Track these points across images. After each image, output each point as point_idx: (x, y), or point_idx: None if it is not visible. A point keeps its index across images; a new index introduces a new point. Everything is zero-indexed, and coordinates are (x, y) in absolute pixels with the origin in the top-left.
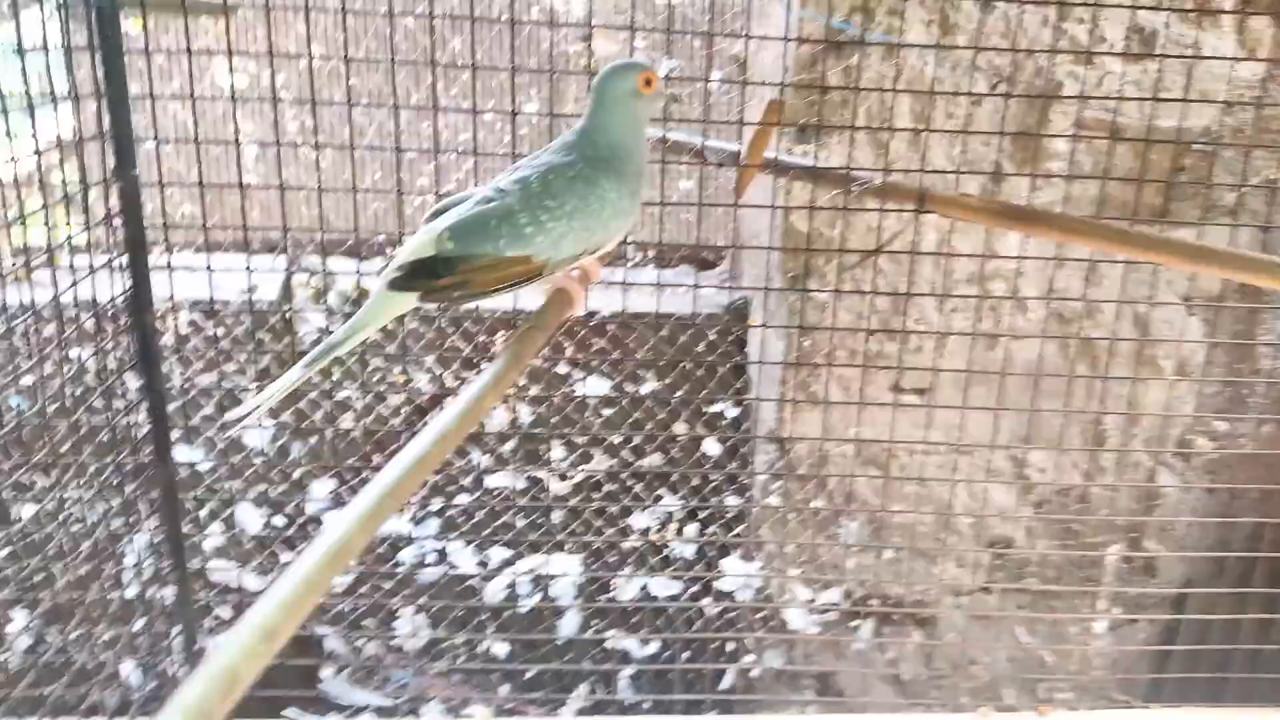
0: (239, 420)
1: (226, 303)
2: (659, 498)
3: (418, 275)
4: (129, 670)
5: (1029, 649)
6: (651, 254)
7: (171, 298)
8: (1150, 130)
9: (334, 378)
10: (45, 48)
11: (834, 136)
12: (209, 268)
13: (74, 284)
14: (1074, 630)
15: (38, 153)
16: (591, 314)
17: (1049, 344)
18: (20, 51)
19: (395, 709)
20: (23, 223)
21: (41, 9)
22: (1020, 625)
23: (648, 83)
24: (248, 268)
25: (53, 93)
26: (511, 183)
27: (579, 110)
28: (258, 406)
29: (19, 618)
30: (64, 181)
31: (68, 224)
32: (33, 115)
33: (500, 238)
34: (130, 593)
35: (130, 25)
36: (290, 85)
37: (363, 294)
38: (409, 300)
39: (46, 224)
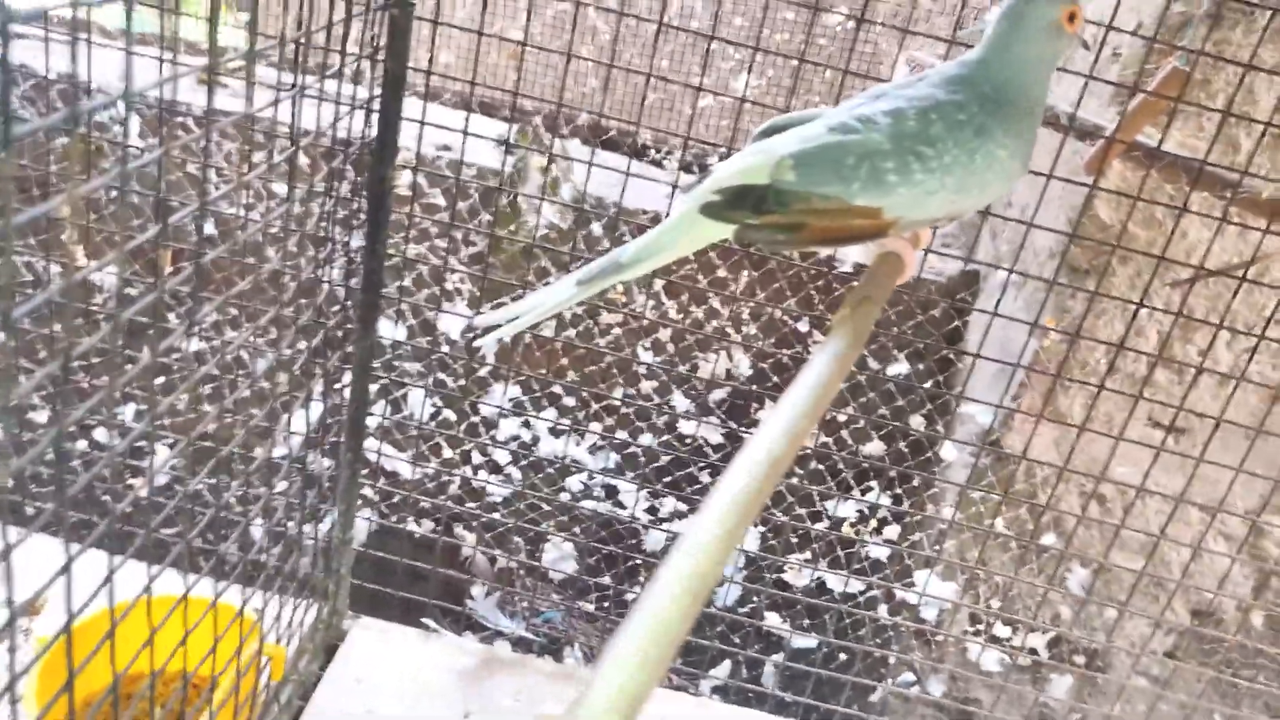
0: (490, 330)
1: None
2: (867, 489)
3: (740, 204)
4: (258, 532)
5: None
6: None
7: (418, 155)
8: None
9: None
10: None
11: (1177, 122)
12: (465, 130)
13: (335, 125)
14: None
15: None
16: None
17: None
18: None
19: (533, 644)
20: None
21: None
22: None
23: (1071, 18)
24: (507, 143)
25: None
26: (882, 113)
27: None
28: (519, 318)
29: (161, 451)
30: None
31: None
32: None
33: (856, 180)
34: (294, 454)
35: None
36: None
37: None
38: (721, 231)
39: (299, 42)
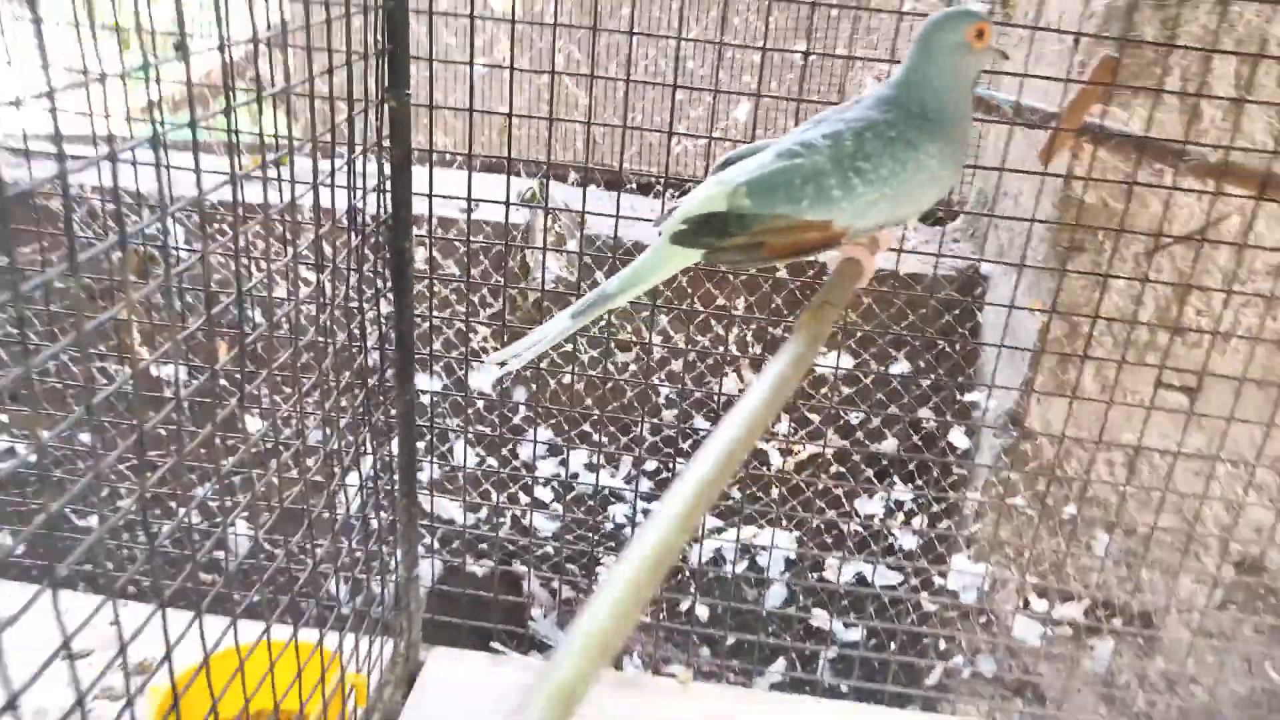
0: (502, 363)
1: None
2: (891, 484)
3: (705, 231)
4: (335, 585)
5: (1258, 681)
6: None
7: (431, 221)
8: None
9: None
10: None
11: (1138, 98)
12: (469, 202)
13: (350, 210)
14: None
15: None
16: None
17: None
18: None
19: None
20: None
21: None
22: (1259, 655)
23: (979, 35)
24: (506, 202)
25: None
26: (821, 137)
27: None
28: (524, 350)
29: (241, 526)
30: (329, 94)
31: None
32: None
33: (804, 199)
34: (353, 509)
35: None
36: (563, 13)
37: (581, 225)
38: (690, 256)
39: (314, 139)
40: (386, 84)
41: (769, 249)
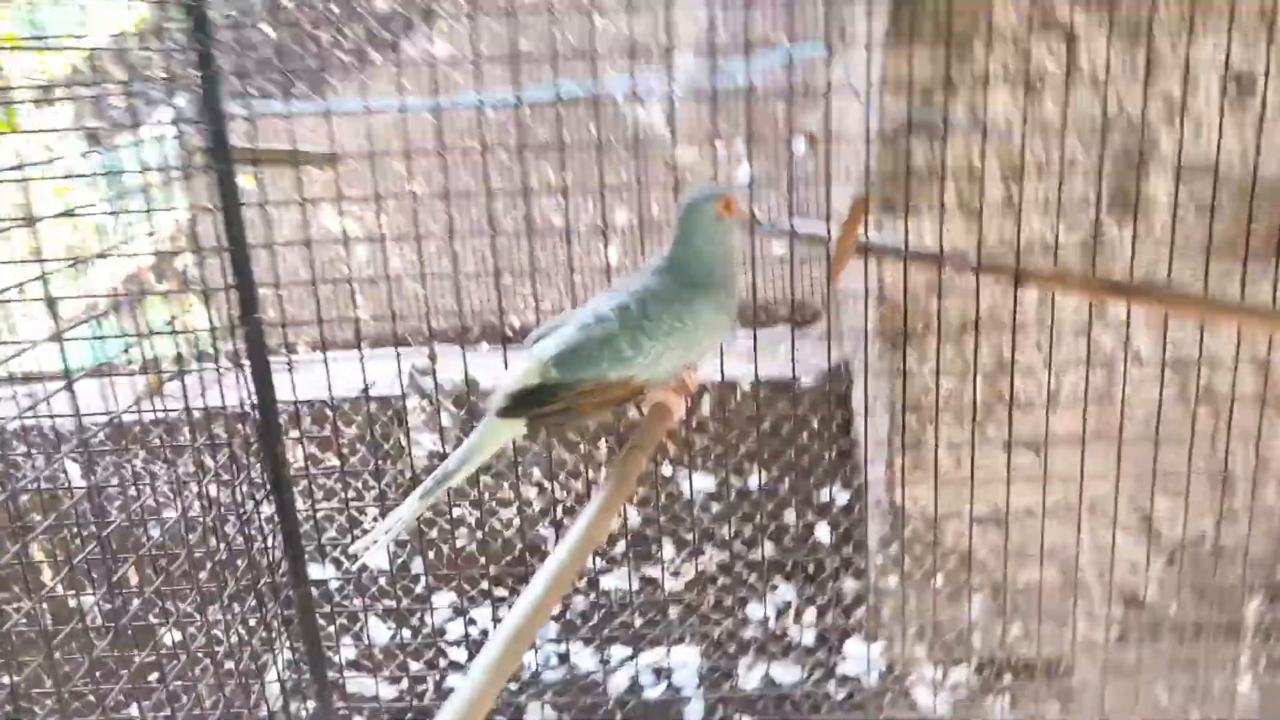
0: (365, 548)
1: (343, 413)
2: (774, 587)
3: (524, 403)
4: None
5: (1168, 709)
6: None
7: (302, 439)
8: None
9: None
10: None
11: (926, 209)
12: (330, 404)
13: (211, 439)
14: (1217, 687)
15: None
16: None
17: (1168, 393)
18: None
19: None
20: (157, 372)
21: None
22: (1159, 684)
23: (727, 206)
24: (365, 394)
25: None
26: (610, 309)
27: (665, 216)
28: (382, 536)
29: None
30: (189, 329)
31: (197, 363)
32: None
33: (603, 361)
34: (274, 707)
35: (243, 180)
36: (393, 225)
37: (469, 392)
38: (517, 426)
39: (180, 367)
40: (240, 313)
41: (581, 409)
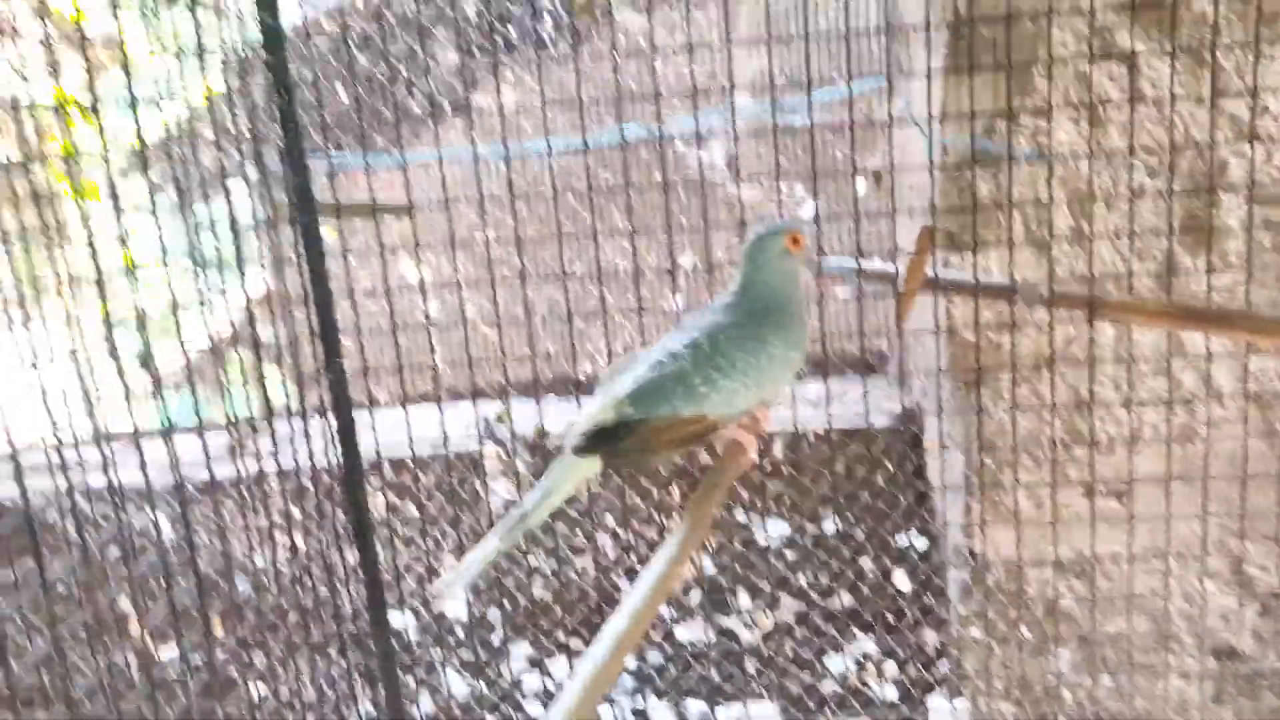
0: (445, 587)
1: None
2: (853, 638)
3: (600, 440)
4: None
5: None
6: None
7: (384, 488)
8: None
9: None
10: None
11: (993, 242)
12: (412, 457)
13: (300, 483)
14: None
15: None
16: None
17: (1253, 430)
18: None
19: None
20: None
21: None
22: None
23: (795, 241)
24: (446, 453)
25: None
26: (683, 346)
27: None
28: (461, 576)
29: None
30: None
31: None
32: (253, 327)
33: (676, 399)
34: None
35: (325, 232)
36: (467, 271)
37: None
38: (593, 464)
39: (268, 417)
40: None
41: (656, 446)
